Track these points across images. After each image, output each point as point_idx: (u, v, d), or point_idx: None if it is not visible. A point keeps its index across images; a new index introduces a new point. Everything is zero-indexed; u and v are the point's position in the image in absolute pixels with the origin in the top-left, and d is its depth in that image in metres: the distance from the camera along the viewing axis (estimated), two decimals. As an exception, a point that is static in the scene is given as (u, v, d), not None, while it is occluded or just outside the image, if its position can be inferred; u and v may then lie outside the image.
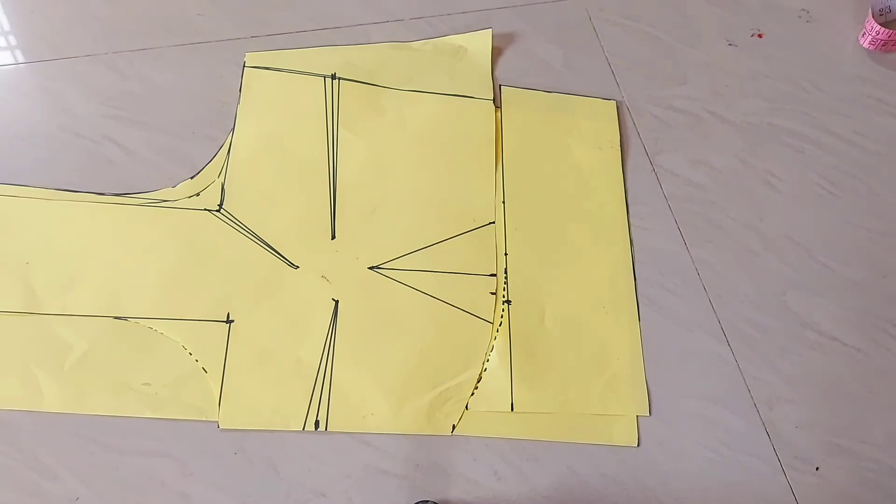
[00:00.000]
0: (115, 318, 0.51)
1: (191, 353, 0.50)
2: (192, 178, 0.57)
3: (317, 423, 0.49)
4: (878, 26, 0.66)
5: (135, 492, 0.46)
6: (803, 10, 0.70)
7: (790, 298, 0.56)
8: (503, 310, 0.54)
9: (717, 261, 0.57)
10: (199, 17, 0.65)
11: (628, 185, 0.60)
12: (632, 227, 0.58)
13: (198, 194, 0.56)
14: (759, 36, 0.69)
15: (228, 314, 0.52)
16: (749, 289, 0.56)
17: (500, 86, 0.63)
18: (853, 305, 0.56)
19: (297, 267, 0.54)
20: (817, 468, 0.50)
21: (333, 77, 0.61)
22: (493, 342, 0.52)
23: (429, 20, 0.67)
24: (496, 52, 0.65)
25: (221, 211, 0.55)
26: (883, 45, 0.67)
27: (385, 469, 0.48)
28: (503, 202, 0.58)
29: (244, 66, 0.62)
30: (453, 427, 0.49)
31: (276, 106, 0.60)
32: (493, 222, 0.57)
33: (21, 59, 0.61)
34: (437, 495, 0.47)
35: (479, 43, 0.65)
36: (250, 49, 0.63)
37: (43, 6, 0.64)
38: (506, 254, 0.56)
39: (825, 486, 0.50)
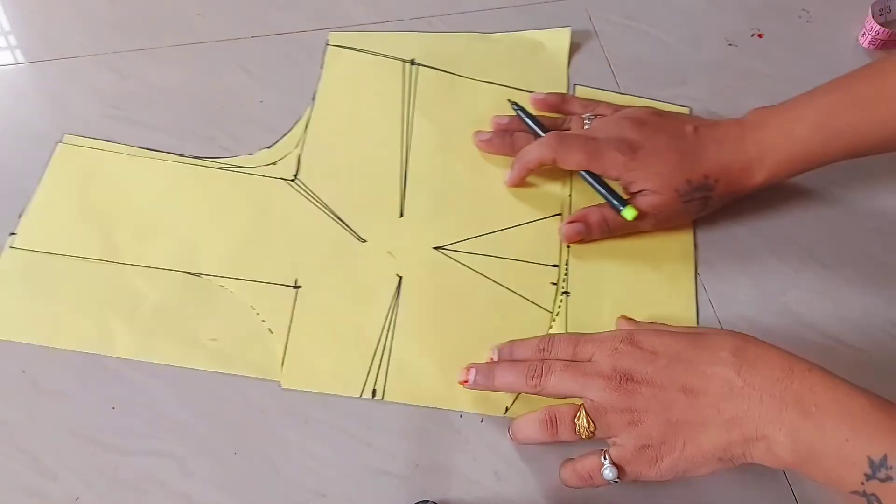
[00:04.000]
0: (189, 273, 0.53)
1: (258, 314, 0.52)
2: (269, 147, 0.59)
3: (374, 392, 0.50)
4: (878, 26, 0.66)
5: (135, 492, 0.46)
6: (803, 10, 0.70)
7: (790, 298, 0.56)
8: (561, 300, 0.54)
9: (717, 261, 0.57)
10: (199, 17, 0.65)
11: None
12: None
13: (275, 163, 0.58)
14: (759, 36, 0.69)
15: (296, 280, 0.53)
16: (749, 289, 0.56)
17: (574, 85, 0.64)
18: (853, 305, 0.56)
19: (365, 241, 0.55)
20: (817, 468, 0.50)
21: (412, 62, 0.63)
22: (549, 331, 0.53)
23: (429, 20, 0.67)
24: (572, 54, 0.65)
25: (296, 181, 0.57)
26: (883, 45, 0.67)
27: (385, 469, 0.48)
28: (569, 195, 0.59)
29: (327, 43, 0.64)
30: (506, 409, 0.50)
31: (355, 85, 0.62)
32: (560, 214, 0.58)
33: (21, 59, 0.61)
34: (437, 495, 0.47)
35: (558, 40, 0.66)
36: (251, 49, 0.63)
37: (43, 6, 0.64)
38: (568, 246, 0.56)
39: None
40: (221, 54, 0.63)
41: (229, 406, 0.49)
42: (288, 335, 0.51)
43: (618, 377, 0.43)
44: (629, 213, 0.53)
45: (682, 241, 0.57)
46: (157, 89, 0.61)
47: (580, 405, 0.44)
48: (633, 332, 0.45)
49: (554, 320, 0.54)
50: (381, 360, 0.51)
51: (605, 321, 0.54)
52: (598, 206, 0.55)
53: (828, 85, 0.53)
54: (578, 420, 0.43)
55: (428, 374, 0.51)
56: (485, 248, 0.56)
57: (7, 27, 0.63)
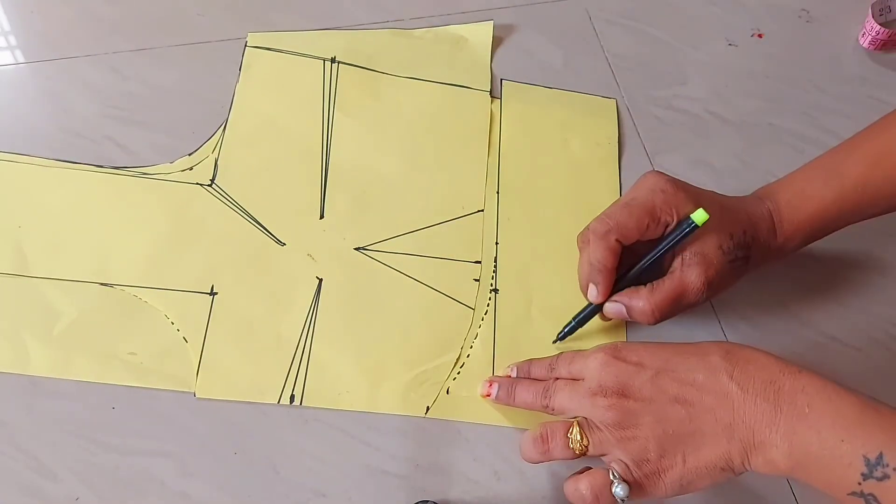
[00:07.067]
0: (101, 283, 0.52)
1: (173, 323, 0.51)
2: (189, 154, 0.58)
3: (292, 398, 0.49)
4: (878, 26, 0.66)
5: (135, 492, 0.46)
6: (803, 10, 0.70)
7: (790, 298, 0.56)
8: (490, 298, 0.54)
9: (717, 261, 0.57)
10: (199, 17, 0.65)
11: (628, 186, 0.60)
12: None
13: (191, 168, 0.57)
14: (759, 36, 0.69)
15: (212, 286, 0.52)
16: (749, 289, 0.56)
17: (501, 80, 0.64)
18: (853, 305, 0.56)
19: (284, 244, 0.55)
20: (817, 468, 0.50)
21: (333, 60, 0.62)
22: (478, 329, 0.53)
23: (429, 20, 0.67)
24: (496, 48, 0.65)
25: (213, 185, 0.56)
26: (883, 45, 0.67)
27: (385, 469, 0.48)
28: (497, 192, 0.59)
29: (245, 45, 0.62)
30: (427, 409, 0.50)
31: (274, 86, 0.61)
32: (482, 210, 0.57)
33: (21, 59, 0.61)
34: (437, 495, 0.47)
35: (480, 34, 0.65)
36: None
37: (43, 6, 0.64)
38: (496, 243, 0.56)
39: (825, 486, 0.50)
40: (221, 54, 0.63)
41: (229, 406, 0.49)
42: (203, 343, 0.50)
43: (604, 393, 0.42)
44: (700, 217, 0.45)
45: None
46: (157, 89, 0.61)
47: (575, 420, 0.43)
48: (617, 345, 0.44)
49: (483, 318, 0.53)
50: (299, 366, 0.50)
51: (533, 319, 0.54)
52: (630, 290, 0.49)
53: (837, 146, 0.52)
54: (571, 434, 0.42)
55: (347, 378, 0.50)
56: (407, 247, 0.55)
57: (7, 27, 0.63)
